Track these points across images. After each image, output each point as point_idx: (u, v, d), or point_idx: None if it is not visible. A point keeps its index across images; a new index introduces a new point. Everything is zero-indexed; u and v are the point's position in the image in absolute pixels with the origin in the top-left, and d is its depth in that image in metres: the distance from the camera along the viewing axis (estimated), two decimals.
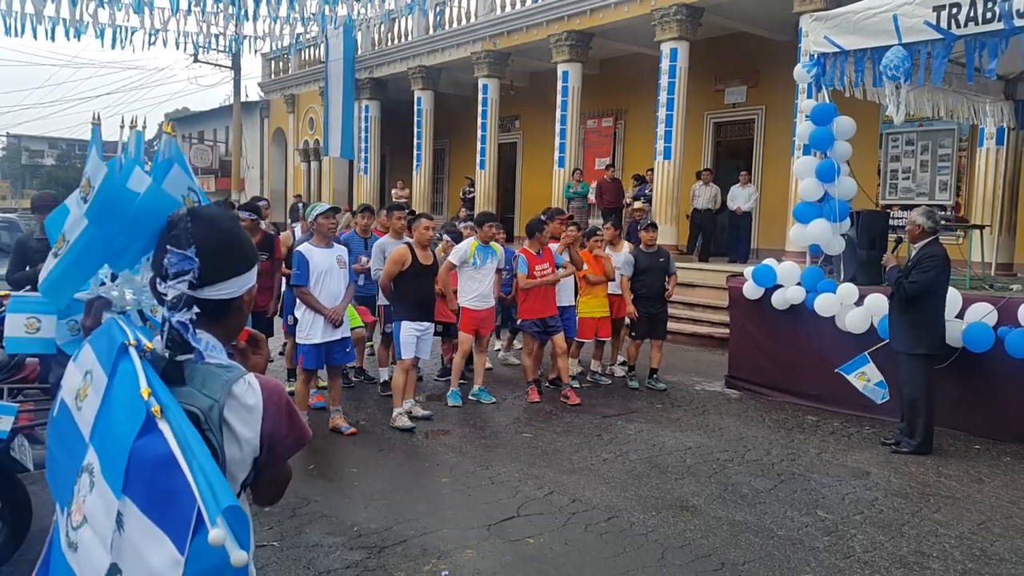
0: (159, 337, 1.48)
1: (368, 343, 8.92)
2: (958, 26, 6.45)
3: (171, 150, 1.80)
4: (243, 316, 1.69)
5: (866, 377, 6.52)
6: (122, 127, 1.86)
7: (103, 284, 1.74)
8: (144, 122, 1.97)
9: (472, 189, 18.63)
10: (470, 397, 7.37)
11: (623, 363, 8.71)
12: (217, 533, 1.21)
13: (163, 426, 1.33)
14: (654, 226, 8.63)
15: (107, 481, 1.35)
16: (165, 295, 1.50)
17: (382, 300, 7.50)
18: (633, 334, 8.40)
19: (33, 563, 1.54)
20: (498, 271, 7.61)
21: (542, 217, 8.11)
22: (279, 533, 4.36)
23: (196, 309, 1.51)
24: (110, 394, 1.42)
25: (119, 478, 1.33)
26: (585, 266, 8.13)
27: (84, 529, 1.38)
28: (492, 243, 7.45)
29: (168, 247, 1.51)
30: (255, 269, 1.67)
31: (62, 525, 1.47)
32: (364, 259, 7.62)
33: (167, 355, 1.45)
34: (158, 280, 1.53)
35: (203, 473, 1.28)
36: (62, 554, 1.44)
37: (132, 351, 1.43)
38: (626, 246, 8.89)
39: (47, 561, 1.58)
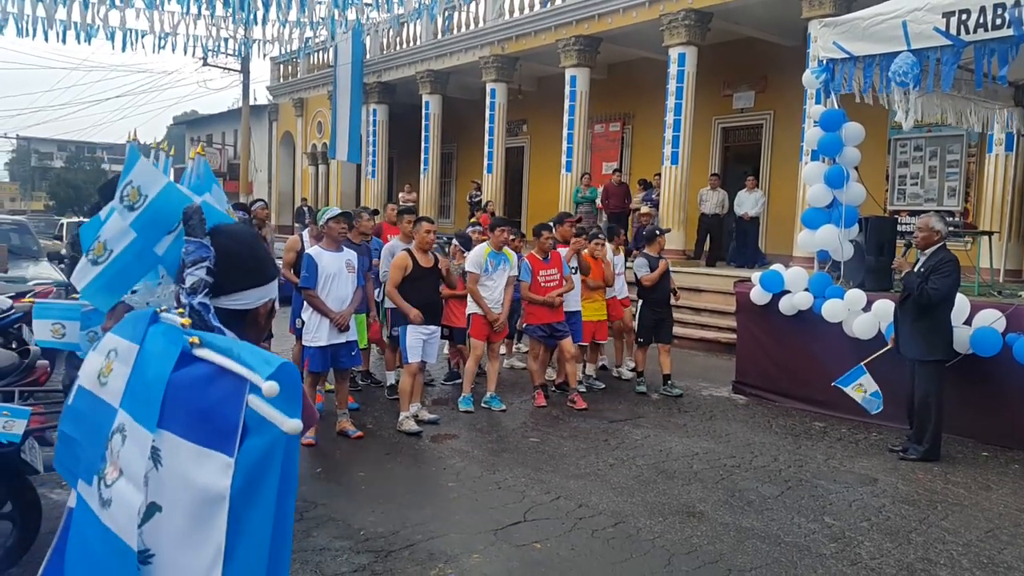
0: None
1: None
2: (967, 32, 6.44)
3: (201, 168, 1.89)
4: (259, 328, 1.74)
5: (863, 388, 6.50)
6: (156, 148, 1.96)
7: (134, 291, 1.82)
8: (168, 146, 2.06)
9: (479, 192, 18.65)
10: (482, 404, 7.36)
11: (633, 369, 8.67)
12: (271, 385, 1.24)
13: (201, 351, 1.36)
14: (665, 231, 8.64)
15: (140, 423, 1.38)
16: (184, 283, 1.57)
17: (389, 304, 7.51)
18: (640, 340, 8.40)
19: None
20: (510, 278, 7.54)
21: (549, 223, 8.12)
22: None
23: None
24: (143, 353, 1.46)
25: (155, 413, 1.36)
26: (590, 271, 8.13)
27: (119, 482, 1.41)
28: (505, 249, 7.45)
29: (185, 238, 1.59)
30: (274, 283, 1.72)
31: (91, 494, 1.49)
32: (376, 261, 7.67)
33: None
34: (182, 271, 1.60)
35: (251, 354, 1.33)
36: (95, 521, 1.45)
37: (164, 315, 1.49)
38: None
39: (59, 549, 1.60)
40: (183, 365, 1.37)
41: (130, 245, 1.74)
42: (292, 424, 1.25)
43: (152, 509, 1.35)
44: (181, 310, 1.52)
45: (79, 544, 1.51)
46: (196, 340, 1.37)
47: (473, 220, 14.11)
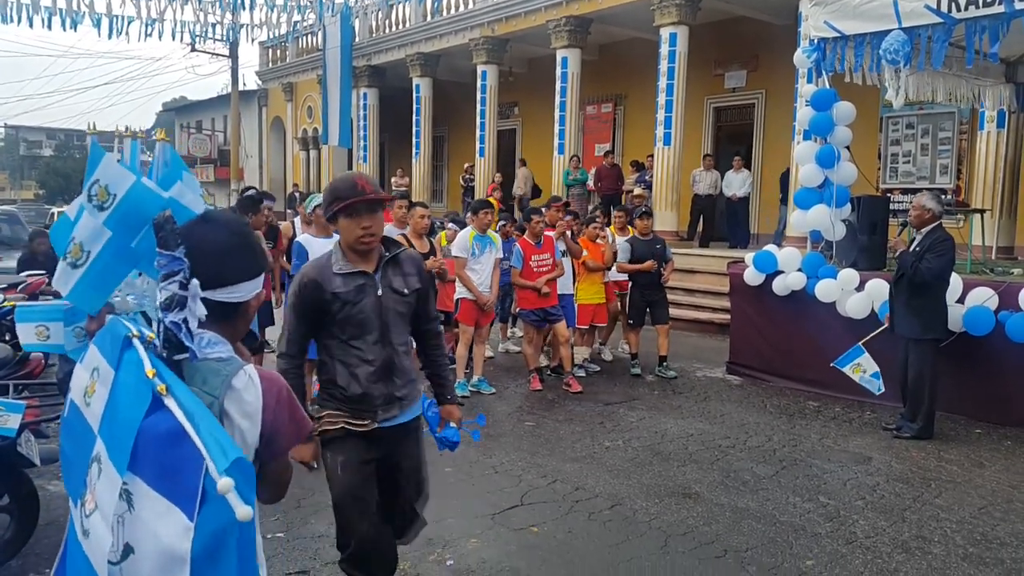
0: (157, 339, 1.51)
1: None
2: (958, 9, 6.43)
3: (167, 155, 1.84)
4: (249, 319, 1.74)
5: (861, 368, 6.51)
6: (118, 136, 1.91)
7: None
8: (136, 131, 2.03)
9: (472, 177, 18.61)
10: (470, 387, 7.38)
11: (632, 354, 8.66)
12: (225, 482, 1.25)
13: (169, 402, 1.37)
14: (649, 214, 8.61)
15: (112, 462, 1.38)
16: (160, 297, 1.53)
17: None
18: (631, 321, 8.41)
19: (41, 556, 1.58)
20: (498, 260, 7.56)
21: (540, 207, 8.10)
22: (285, 524, 4.39)
23: (204, 310, 1.54)
24: (117, 384, 1.45)
25: (125, 456, 1.36)
26: (585, 252, 8.13)
27: (95, 515, 1.42)
28: (489, 232, 7.44)
29: (157, 250, 1.53)
30: (263, 276, 1.71)
31: (76, 518, 1.50)
32: None
33: (164, 355, 1.48)
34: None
35: (211, 434, 1.33)
36: (79, 544, 1.47)
37: (135, 341, 1.47)
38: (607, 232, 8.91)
39: (63, 558, 1.61)
40: (154, 410, 1.38)
41: (108, 244, 1.72)
42: (243, 511, 1.28)
43: (128, 550, 1.38)
44: (152, 336, 1.50)
45: (72, 563, 1.52)
46: (163, 389, 1.38)
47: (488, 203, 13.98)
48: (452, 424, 3.38)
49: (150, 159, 2.01)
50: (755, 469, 5.45)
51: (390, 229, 7.38)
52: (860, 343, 6.62)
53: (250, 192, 8.41)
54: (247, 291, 1.68)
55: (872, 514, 4.68)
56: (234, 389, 1.51)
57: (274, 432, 1.57)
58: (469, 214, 7.90)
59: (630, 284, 8.41)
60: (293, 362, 2.94)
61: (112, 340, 1.52)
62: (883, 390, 6.50)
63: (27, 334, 2.36)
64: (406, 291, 2.99)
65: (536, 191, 17.34)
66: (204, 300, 1.55)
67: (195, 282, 1.53)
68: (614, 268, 8.46)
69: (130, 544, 1.37)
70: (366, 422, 2.96)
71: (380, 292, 2.90)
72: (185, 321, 1.49)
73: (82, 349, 1.95)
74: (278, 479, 1.70)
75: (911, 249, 6.13)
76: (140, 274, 1.77)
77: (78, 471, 1.51)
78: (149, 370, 1.40)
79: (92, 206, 1.72)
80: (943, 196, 10.19)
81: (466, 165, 19.40)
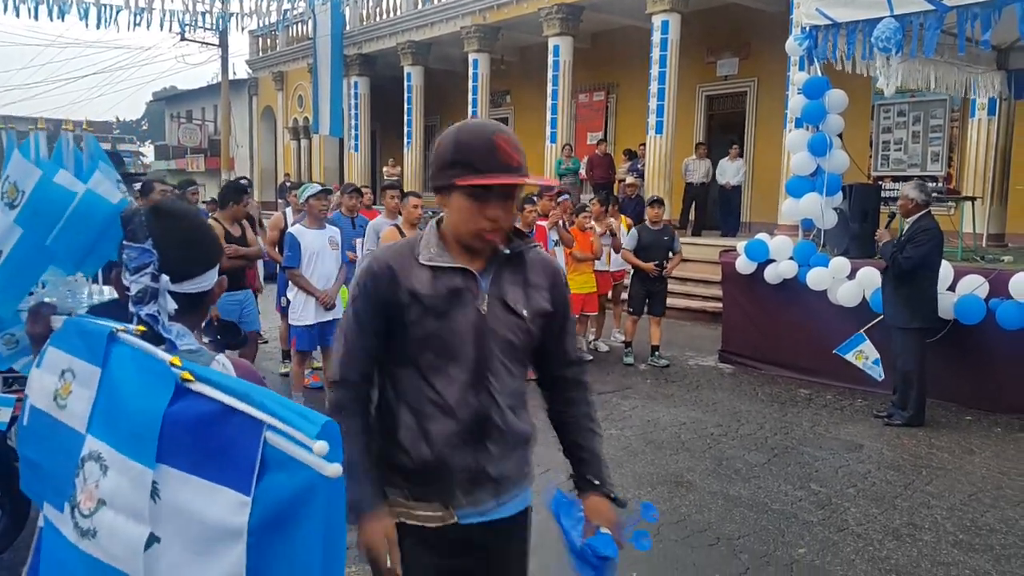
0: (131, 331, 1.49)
1: None
2: None
3: (91, 146, 1.82)
4: (208, 306, 1.75)
5: (864, 355, 6.54)
6: (31, 130, 1.90)
7: (32, 292, 1.75)
8: (55, 126, 2.01)
9: None
10: None
11: (626, 343, 8.66)
12: (321, 445, 1.21)
13: (200, 387, 1.34)
14: (660, 202, 8.52)
15: (130, 456, 1.36)
16: (128, 290, 1.51)
17: None
18: (630, 309, 8.42)
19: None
20: None
21: (532, 196, 8.07)
22: None
23: (173, 304, 1.54)
24: (111, 381, 1.43)
25: (150, 448, 1.33)
26: (574, 243, 8.12)
27: (103, 512, 1.38)
28: None
29: (125, 242, 1.52)
30: (216, 264, 1.73)
31: (64, 521, 1.47)
32: (352, 254, 7.58)
33: None
34: (125, 275, 1.54)
35: (279, 404, 1.29)
36: (71, 547, 1.44)
37: (125, 336, 1.45)
38: (612, 221, 8.89)
39: (35, 566, 1.58)
40: (178, 399, 1.35)
41: (19, 242, 1.69)
42: (333, 468, 1.23)
43: (151, 540, 1.34)
44: (140, 328, 1.49)
45: (57, 570, 1.49)
46: (189, 376, 1.35)
47: None
48: (604, 529, 1.96)
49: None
50: (747, 457, 5.47)
51: (380, 221, 7.35)
52: (862, 331, 6.64)
53: (243, 182, 8.39)
54: (211, 279, 1.69)
55: (863, 501, 4.71)
56: None
57: None
58: None
59: (631, 273, 8.41)
60: (352, 393, 1.93)
61: (87, 338, 1.50)
62: (883, 376, 6.53)
63: None
64: (525, 312, 1.92)
65: None
66: (172, 294, 1.55)
67: (164, 278, 1.53)
68: (610, 257, 8.44)
69: (153, 533, 1.35)
70: (438, 513, 1.89)
71: (484, 306, 1.88)
72: (159, 312, 1.49)
73: (15, 357, 1.91)
74: None
75: (899, 239, 6.14)
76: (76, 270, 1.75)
77: (55, 475, 1.49)
78: (173, 358, 1.38)
79: (3, 204, 1.69)
80: (932, 184, 10.23)
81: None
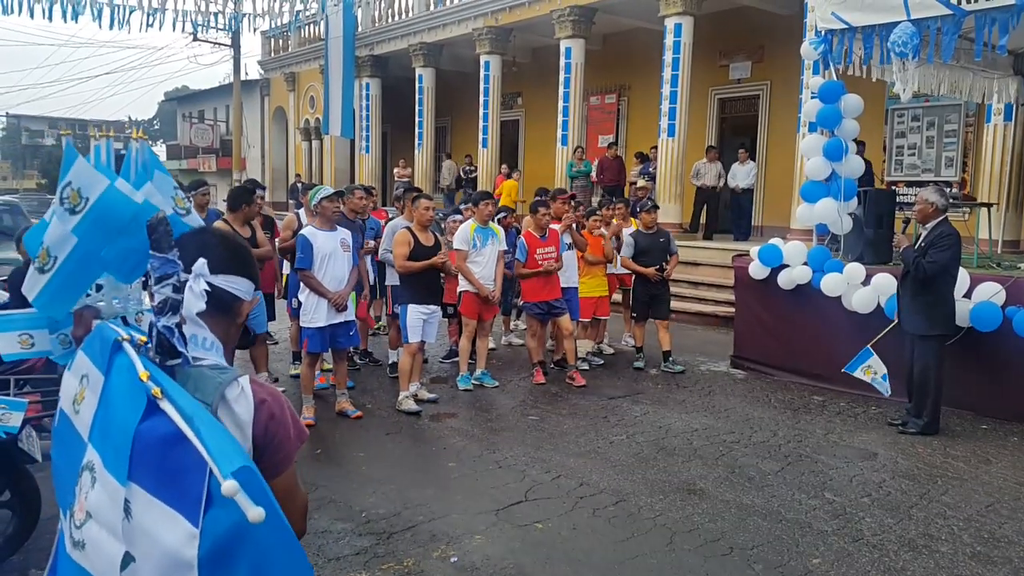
0: (150, 342, 1.48)
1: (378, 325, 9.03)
2: (968, 1, 6.36)
3: (146, 155, 1.81)
4: (241, 324, 1.73)
5: (872, 370, 6.48)
6: (93, 137, 1.88)
7: (88, 295, 1.75)
8: (112, 131, 2.00)
9: (473, 168, 18.56)
10: (473, 380, 7.35)
11: (637, 348, 8.60)
12: (230, 484, 1.19)
13: (165, 405, 1.32)
14: (655, 207, 8.56)
15: (110, 471, 1.35)
16: (152, 299, 1.50)
17: (390, 280, 7.46)
18: (634, 315, 8.39)
19: (43, 551, 1.55)
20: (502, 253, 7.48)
21: (544, 197, 8.04)
22: None
23: (201, 304, 1.53)
24: (108, 390, 1.42)
25: (124, 465, 1.32)
26: (587, 246, 8.10)
27: (89, 525, 1.38)
28: (491, 224, 7.39)
29: (150, 252, 1.50)
30: (255, 287, 1.72)
31: (66, 528, 1.47)
32: (370, 242, 7.58)
33: (156, 360, 1.45)
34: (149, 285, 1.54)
35: (213, 439, 1.28)
36: (68, 556, 1.44)
37: (126, 345, 1.45)
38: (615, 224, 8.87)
39: (54, 567, 1.58)
40: (150, 415, 1.33)
41: (73, 251, 1.69)
42: (255, 512, 1.21)
43: (127, 559, 1.33)
44: (143, 339, 1.47)
45: (65, 574, 1.49)
46: (158, 392, 1.33)
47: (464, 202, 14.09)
48: None
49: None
50: (760, 465, 5.42)
51: (399, 221, 7.33)
52: (868, 345, 6.57)
53: (246, 183, 8.40)
54: (246, 289, 1.68)
55: (878, 511, 4.65)
56: (226, 400, 1.48)
57: (266, 447, 1.52)
58: (470, 205, 7.85)
59: (634, 278, 8.39)
60: None
61: (101, 345, 1.49)
62: (891, 392, 6.47)
63: (8, 344, 2.23)
64: None
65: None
66: (204, 290, 1.55)
67: (202, 261, 1.54)
68: (616, 261, 8.42)
69: (129, 552, 1.33)
70: None
71: None
72: (178, 325, 1.46)
73: (69, 355, 1.91)
74: (288, 506, 1.55)
75: (916, 244, 6.08)
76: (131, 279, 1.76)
77: (67, 480, 1.48)
78: (142, 372, 1.36)
79: (64, 209, 1.68)
80: (948, 189, 10.14)
81: (466, 156, 19.34)
